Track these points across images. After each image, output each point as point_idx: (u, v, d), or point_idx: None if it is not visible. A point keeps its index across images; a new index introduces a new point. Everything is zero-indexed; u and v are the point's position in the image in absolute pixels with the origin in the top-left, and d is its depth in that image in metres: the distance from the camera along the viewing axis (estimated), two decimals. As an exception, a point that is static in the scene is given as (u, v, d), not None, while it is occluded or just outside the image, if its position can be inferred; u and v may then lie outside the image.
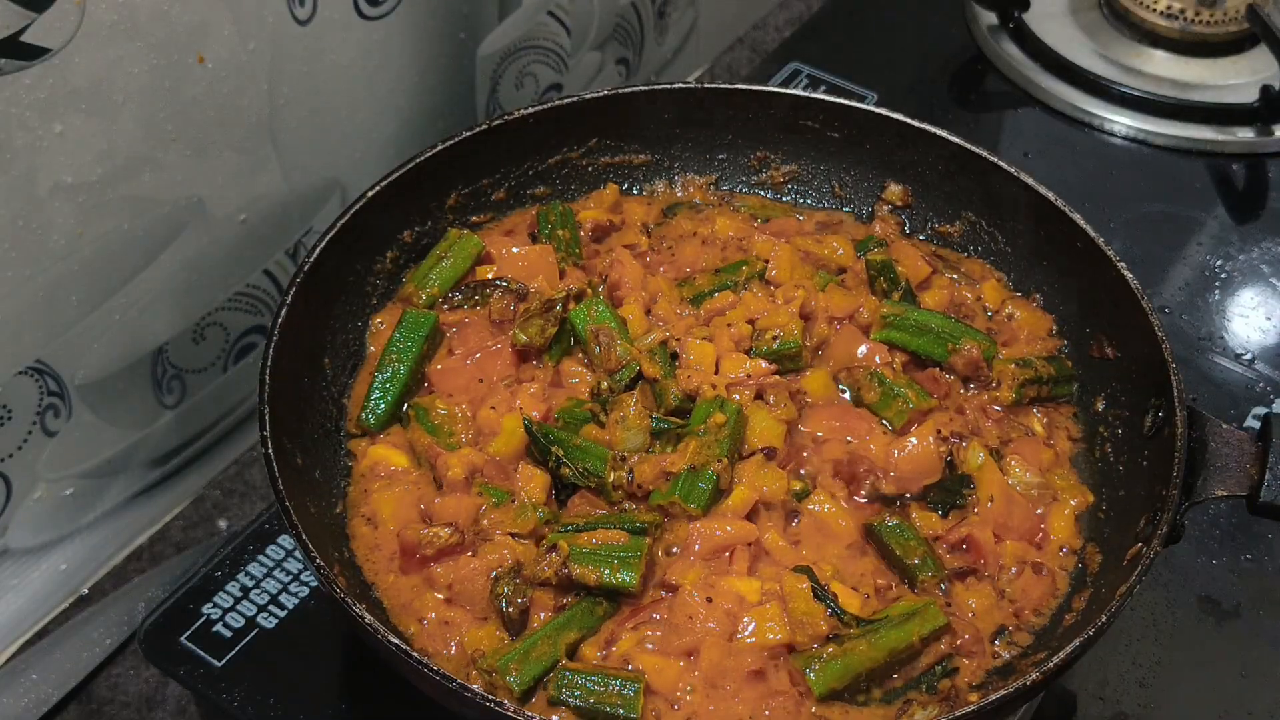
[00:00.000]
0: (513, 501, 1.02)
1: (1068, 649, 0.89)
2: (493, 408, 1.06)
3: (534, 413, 1.05)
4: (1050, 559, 1.03)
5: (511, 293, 1.14)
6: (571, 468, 1.02)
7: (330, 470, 1.07)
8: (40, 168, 1.02)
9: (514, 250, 1.18)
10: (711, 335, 1.12)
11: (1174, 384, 1.02)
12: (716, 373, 1.09)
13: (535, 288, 1.14)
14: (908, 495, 1.05)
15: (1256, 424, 1.26)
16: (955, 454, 1.07)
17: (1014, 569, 1.02)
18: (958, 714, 0.87)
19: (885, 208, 1.27)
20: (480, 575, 0.97)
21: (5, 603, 1.18)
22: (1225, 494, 0.98)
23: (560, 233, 1.20)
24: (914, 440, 1.05)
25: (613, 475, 1.02)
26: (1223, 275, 1.44)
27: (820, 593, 0.96)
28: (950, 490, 1.05)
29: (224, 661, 1.08)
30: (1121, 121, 1.57)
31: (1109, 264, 1.10)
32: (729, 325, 1.12)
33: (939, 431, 1.07)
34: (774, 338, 1.11)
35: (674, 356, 1.10)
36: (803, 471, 1.06)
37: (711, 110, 1.26)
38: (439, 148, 1.17)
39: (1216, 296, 1.42)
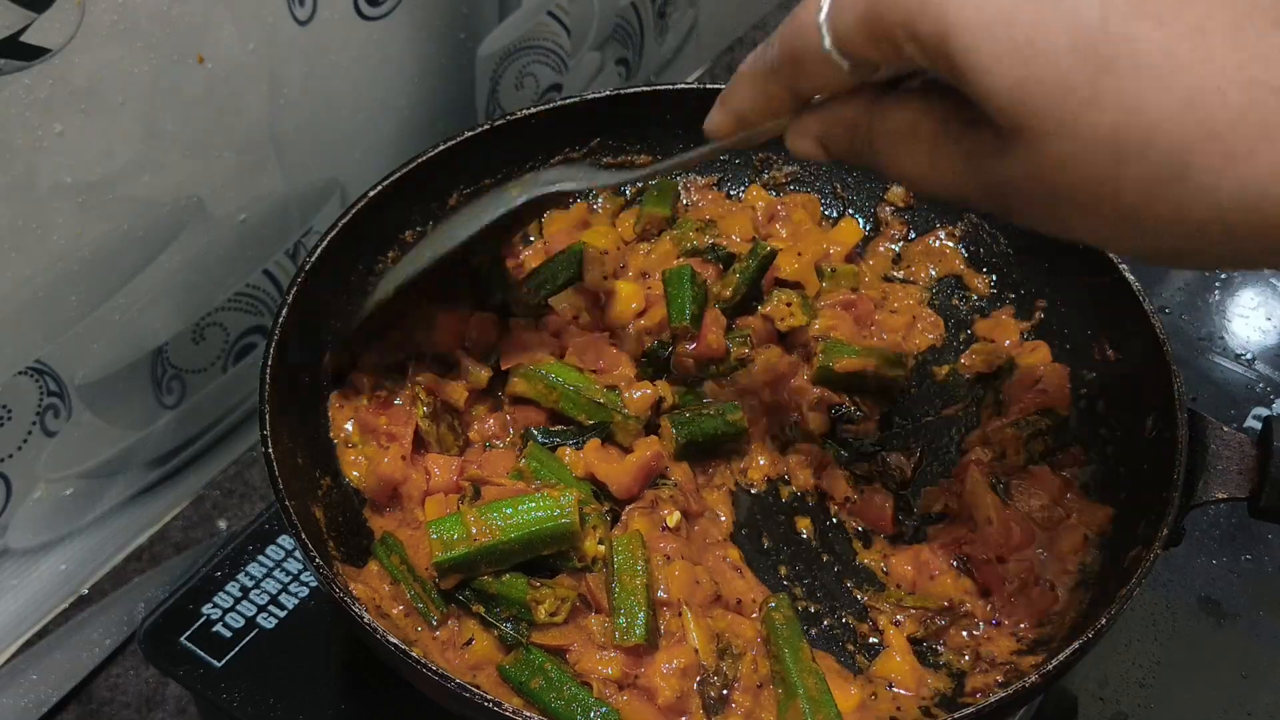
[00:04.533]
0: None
1: (1067, 651, 0.89)
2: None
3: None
4: (1054, 575, 1.02)
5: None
6: (497, 626, 0.96)
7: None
8: (40, 168, 1.01)
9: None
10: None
11: (1175, 387, 1.02)
12: None
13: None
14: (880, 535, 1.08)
15: (1257, 424, 1.27)
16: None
17: (1015, 582, 1.01)
18: (958, 715, 0.87)
19: (888, 209, 1.27)
20: None
21: (5, 603, 1.18)
22: (1226, 497, 0.98)
23: (423, 406, 1.08)
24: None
25: (542, 610, 0.95)
26: (1223, 275, 1.44)
27: None
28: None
29: (224, 661, 1.08)
30: (1122, 122, 1.57)
31: (1110, 265, 1.10)
32: None
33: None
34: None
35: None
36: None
37: (713, 111, 1.26)
38: (441, 147, 1.17)
39: (1216, 296, 1.42)
